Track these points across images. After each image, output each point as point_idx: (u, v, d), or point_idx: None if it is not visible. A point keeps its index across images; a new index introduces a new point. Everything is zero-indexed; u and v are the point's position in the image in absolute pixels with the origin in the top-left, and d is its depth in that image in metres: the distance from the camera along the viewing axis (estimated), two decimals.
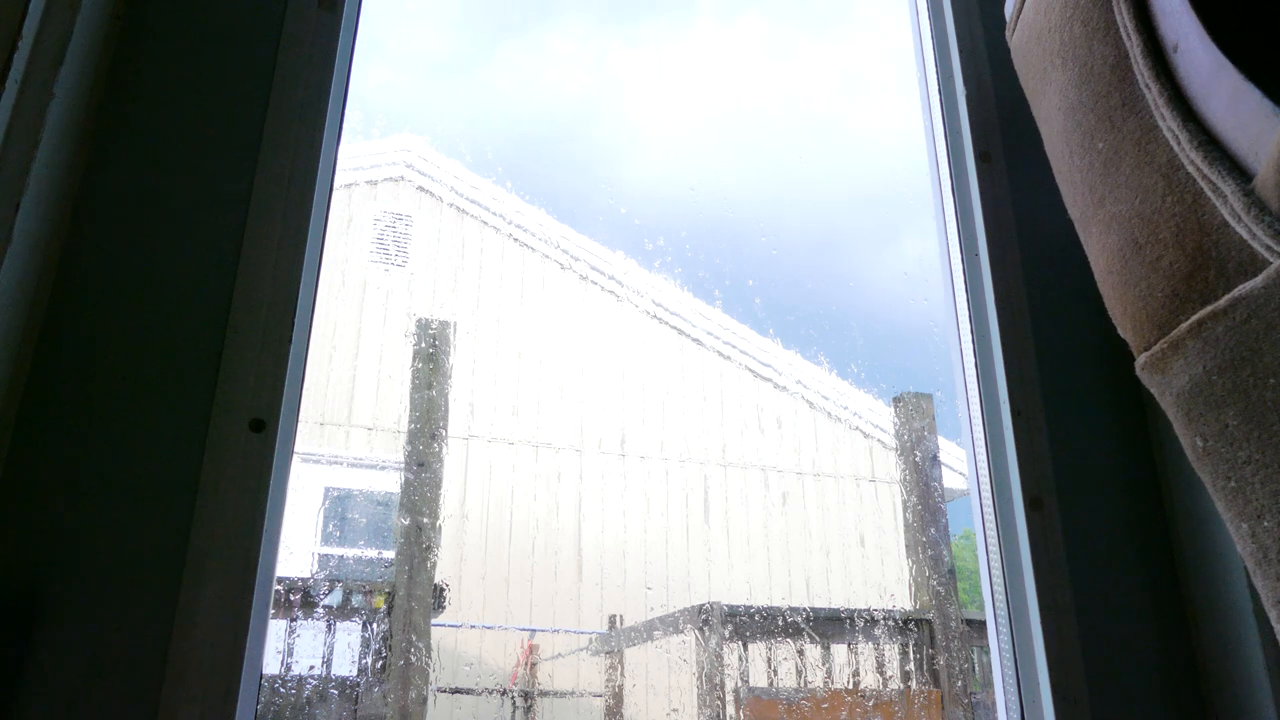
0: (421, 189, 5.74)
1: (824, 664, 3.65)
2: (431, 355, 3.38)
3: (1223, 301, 0.58)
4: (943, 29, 1.21)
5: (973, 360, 1.08)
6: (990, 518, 1.03)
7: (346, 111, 0.98)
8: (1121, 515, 1.02)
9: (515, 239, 5.76)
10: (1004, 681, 0.99)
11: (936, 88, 1.20)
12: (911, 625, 3.68)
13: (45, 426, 0.76)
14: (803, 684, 3.63)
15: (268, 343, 0.83)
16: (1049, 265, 1.09)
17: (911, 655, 3.65)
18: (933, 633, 3.63)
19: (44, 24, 0.73)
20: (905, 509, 3.96)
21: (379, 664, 3.01)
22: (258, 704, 0.77)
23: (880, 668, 3.64)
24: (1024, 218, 1.11)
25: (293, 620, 3.08)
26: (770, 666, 3.67)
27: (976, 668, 3.60)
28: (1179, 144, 0.62)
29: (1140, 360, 0.68)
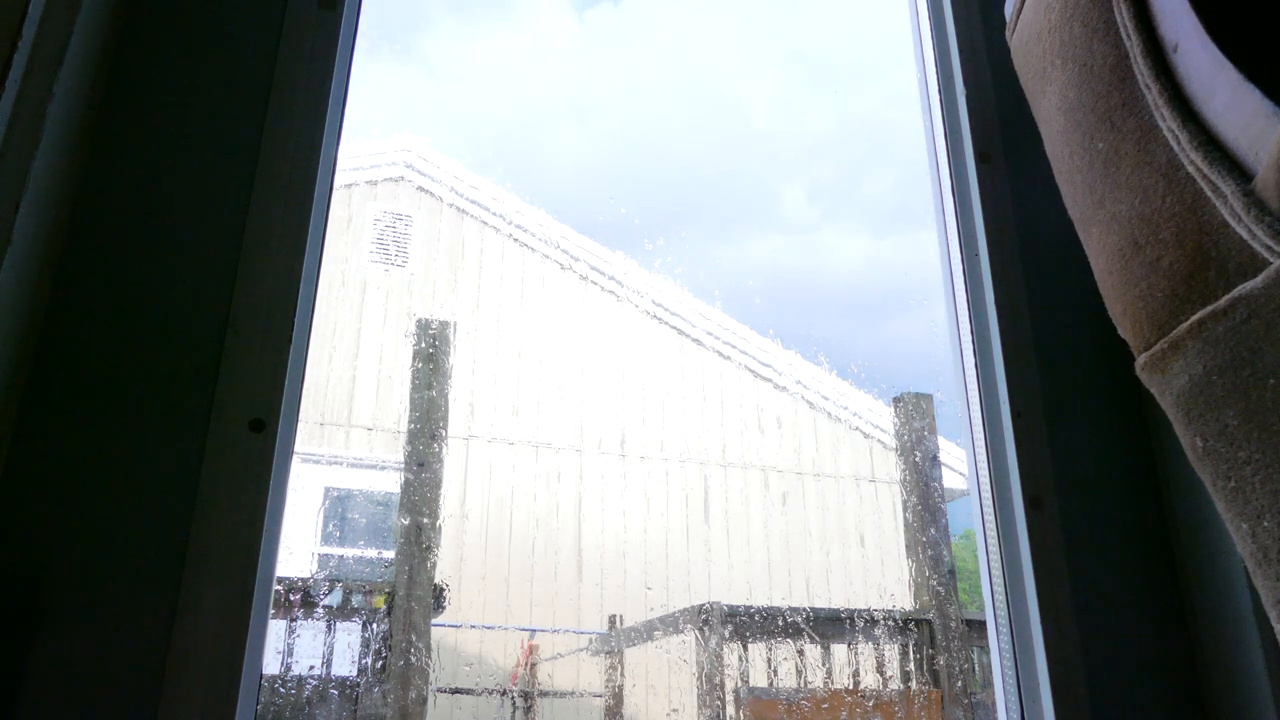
0: (421, 189, 5.75)
1: (824, 664, 3.64)
2: (431, 355, 3.38)
3: (1223, 302, 0.58)
4: (943, 29, 1.21)
5: (973, 360, 1.08)
6: (990, 518, 1.03)
7: (346, 111, 0.98)
8: (1121, 515, 1.02)
9: (515, 239, 5.76)
10: (1004, 681, 0.99)
11: (936, 88, 1.20)
12: (911, 625, 3.68)
13: (45, 426, 0.76)
14: (803, 684, 3.62)
15: (268, 343, 0.83)
16: (1049, 265, 1.09)
17: (911, 655, 3.65)
18: (933, 633, 3.63)
19: (44, 24, 0.73)
20: (905, 509, 3.96)
21: (379, 664, 3.01)
22: (258, 704, 0.77)
23: (880, 668, 3.64)
24: (1024, 218, 1.11)
25: (293, 620, 3.08)
26: (770, 666, 3.67)
27: (976, 668, 3.60)
28: (1179, 144, 0.62)
29: (1140, 360, 0.68)
